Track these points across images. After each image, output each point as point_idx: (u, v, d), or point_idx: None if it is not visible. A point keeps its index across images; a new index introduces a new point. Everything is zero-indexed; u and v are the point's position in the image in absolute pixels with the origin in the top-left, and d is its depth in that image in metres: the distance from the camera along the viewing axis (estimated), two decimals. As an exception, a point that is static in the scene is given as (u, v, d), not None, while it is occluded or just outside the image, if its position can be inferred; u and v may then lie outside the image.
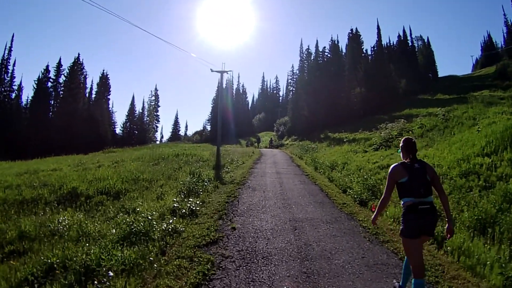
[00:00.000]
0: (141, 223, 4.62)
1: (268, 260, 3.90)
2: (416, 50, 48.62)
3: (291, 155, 21.61)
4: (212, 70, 23.84)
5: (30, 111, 42.91)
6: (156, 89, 66.37)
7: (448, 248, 4.20)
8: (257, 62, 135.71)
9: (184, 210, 5.72)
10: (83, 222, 5.17)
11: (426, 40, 52.74)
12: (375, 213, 3.18)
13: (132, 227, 4.50)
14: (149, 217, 4.99)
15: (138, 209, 6.01)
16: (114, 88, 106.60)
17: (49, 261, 3.58)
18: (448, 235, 2.90)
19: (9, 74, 43.13)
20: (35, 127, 38.13)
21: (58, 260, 3.59)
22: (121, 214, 5.79)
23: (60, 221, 5.24)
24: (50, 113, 43.63)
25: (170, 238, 4.46)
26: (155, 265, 3.60)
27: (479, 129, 10.33)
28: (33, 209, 6.43)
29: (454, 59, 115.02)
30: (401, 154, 3.04)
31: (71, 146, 31.91)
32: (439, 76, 49.73)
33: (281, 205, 6.69)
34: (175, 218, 5.28)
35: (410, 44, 47.05)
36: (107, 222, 5.39)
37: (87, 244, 4.07)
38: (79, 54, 50.71)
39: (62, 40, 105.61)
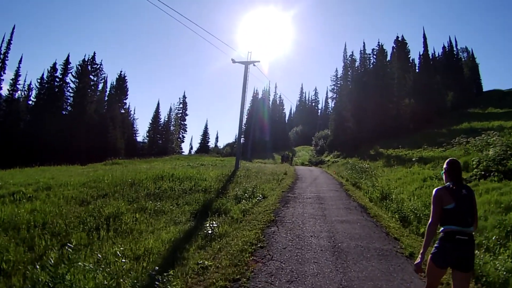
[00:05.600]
0: None
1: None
2: (461, 62, 46.27)
3: (340, 180, 15.15)
4: (234, 61, 18.11)
5: (30, 114, 38.05)
6: (184, 96, 62.66)
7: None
8: (295, 73, 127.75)
9: None
10: None
11: (471, 52, 49.44)
12: (422, 249, 2.59)
13: None
14: None
15: None
16: (140, 93, 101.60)
17: None
18: None
19: (6, 70, 37.94)
20: (35, 131, 33.69)
21: None
22: None
23: None
24: (54, 116, 37.28)
25: None
26: None
27: None
28: None
29: (495, 72, 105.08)
30: (443, 177, 2.84)
31: (74, 153, 28.34)
32: (483, 90, 47.12)
33: None
34: None
35: (455, 55, 45.05)
36: None
37: None
38: (94, 53, 48.07)
39: (82, 41, 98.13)
